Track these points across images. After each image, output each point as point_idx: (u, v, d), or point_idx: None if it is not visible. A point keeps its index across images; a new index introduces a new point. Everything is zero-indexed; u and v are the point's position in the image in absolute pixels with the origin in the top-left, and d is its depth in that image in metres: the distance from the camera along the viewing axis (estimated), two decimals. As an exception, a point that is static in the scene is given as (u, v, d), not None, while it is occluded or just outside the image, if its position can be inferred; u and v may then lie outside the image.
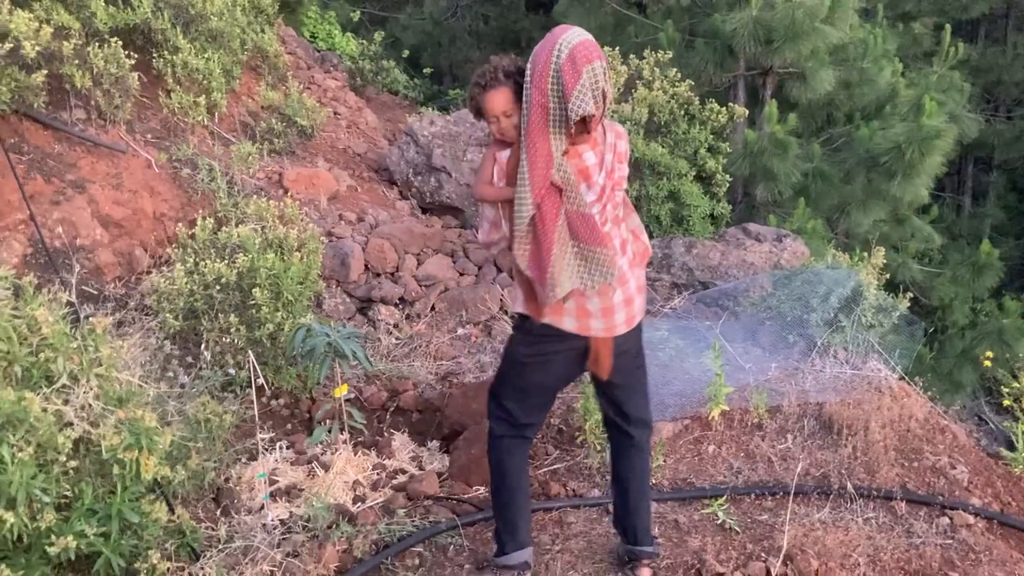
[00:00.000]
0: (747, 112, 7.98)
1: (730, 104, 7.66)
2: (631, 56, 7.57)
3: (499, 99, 2.77)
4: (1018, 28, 16.49)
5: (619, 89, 7.10)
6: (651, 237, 7.00)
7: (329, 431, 4.07)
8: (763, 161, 8.56)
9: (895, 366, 4.99)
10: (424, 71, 13.71)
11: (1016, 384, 4.60)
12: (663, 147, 7.04)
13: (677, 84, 7.31)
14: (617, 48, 7.65)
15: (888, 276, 7.25)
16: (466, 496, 3.84)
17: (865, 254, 5.78)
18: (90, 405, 2.92)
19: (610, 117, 6.84)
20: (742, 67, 9.32)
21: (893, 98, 9.68)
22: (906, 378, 4.93)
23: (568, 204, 2.72)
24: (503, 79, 2.76)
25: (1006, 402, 4.69)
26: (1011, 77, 15.32)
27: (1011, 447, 4.45)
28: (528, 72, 2.68)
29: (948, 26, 9.91)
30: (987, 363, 6.40)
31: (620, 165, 2.88)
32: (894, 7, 12.55)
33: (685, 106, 7.31)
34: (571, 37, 2.64)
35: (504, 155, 2.82)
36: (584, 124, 2.69)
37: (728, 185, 7.55)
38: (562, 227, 2.72)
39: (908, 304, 5.97)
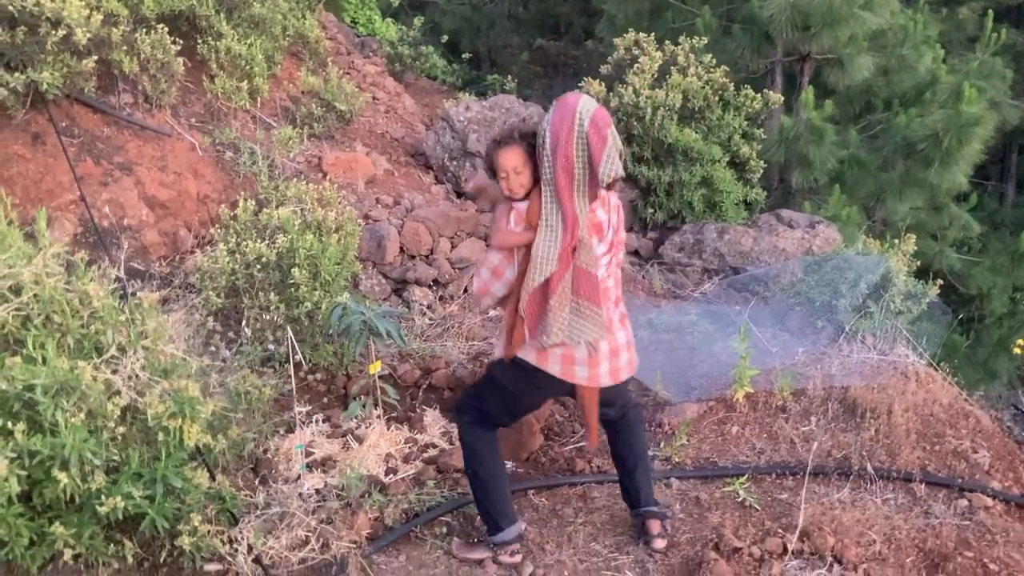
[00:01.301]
0: (782, 98, 7.97)
1: (765, 90, 7.66)
2: (666, 42, 7.60)
3: (511, 156, 2.97)
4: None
5: (653, 75, 7.14)
6: (683, 223, 7.07)
7: (364, 406, 4.22)
8: (799, 148, 8.55)
9: (922, 352, 5.02)
10: (463, 56, 13.80)
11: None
12: (696, 133, 7.09)
13: (712, 70, 7.34)
14: (653, 34, 7.68)
15: (920, 263, 7.25)
16: (494, 470, 3.96)
17: (895, 240, 5.79)
18: (137, 375, 3.08)
19: (643, 103, 6.90)
20: (779, 53, 9.29)
21: (933, 85, 9.59)
22: (933, 364, 4.96)
23: (577, 261, 2.91)
24: (517, 138, 2.98)
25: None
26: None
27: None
28: (547, 140, 2.86)
29: (990, 11, 9.78)
30: (1018, 350, 6.39)
31: (622, 229, 3.12)
32: (942, -8, 12.37)
33: (720, 92, 7.34)
34: (587, 105, 2.85)
35: (522, 205, 2.99)
36: (609, 186, 2.89)
37: (762, 171, 7.56)
38: (566, 281, 2.91)
39: (938, 291, 5.99)
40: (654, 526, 3.39)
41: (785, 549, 3.34)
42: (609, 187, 2.90)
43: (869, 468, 3.85)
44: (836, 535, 3.36)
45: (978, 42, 10.33)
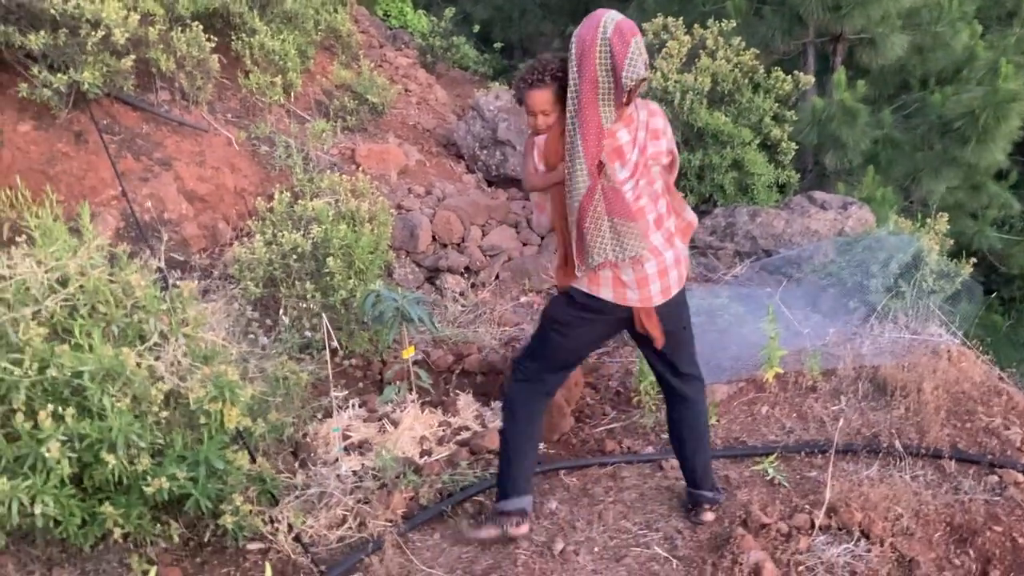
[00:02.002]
0: (813, 80, 7.93)
1: (795, 72, 7.63)
2: (695, 26, 7.59)
3: (541, 98, 2.95)
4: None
5: (681, 59, 7.16)
6: (715, 206, 7.08)
7: (398, 391, 4.32)
8: (831, 129, 8.50)
9: (955, 331, 5.00)
10: (495, 46, 13.85)
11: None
12: (726, 116, 7.09)
13: (741, 53, 7.33)
14: (681, 18, 7.68)
15: (959, 243, 7.18)
16: (526, 452, 4.05)
17: (928, 220, 5.77)
18: (179, 361, 3.22)
19: (672, 87, 6.92)
20: (811, 34, 9.23)
21: (971, 62, 9.46)
22: (967, 342, 4.94)
23: (603, 180, 2.89)
24: (548, 80, 2.93)
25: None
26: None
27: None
28: (573, 51, 2.83)
29: (1028, -15, 9.62)
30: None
31: (655, 141, 3.02)
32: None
33: (749, 75, 7.33)
34: (612, 15, 2.82)
35: (541, 139, 3.00)
36: (631, 93, 2.84)
37: (794, 153, 7.54)
38: (598, 201, 2.90)
39: (980, 271, 5.94)
40: (703, 507, 3.47)
41: (812, 525, 3.38)
42: (631, 92, 2.83)
43: (898, 445, 3.87)
44: (863, 510, 3.39)
45: (1016, 17, 10.18)
